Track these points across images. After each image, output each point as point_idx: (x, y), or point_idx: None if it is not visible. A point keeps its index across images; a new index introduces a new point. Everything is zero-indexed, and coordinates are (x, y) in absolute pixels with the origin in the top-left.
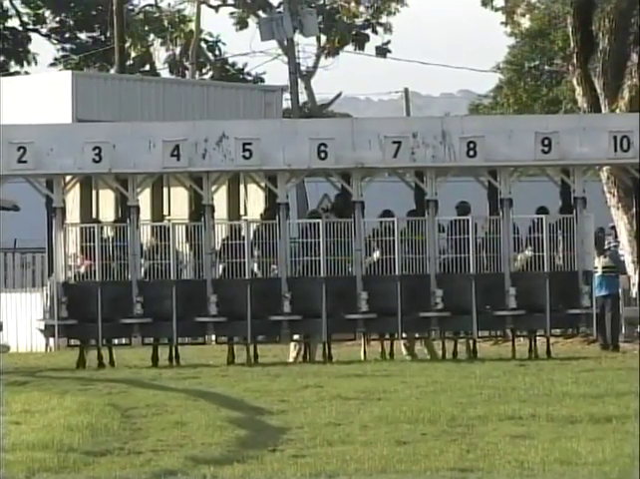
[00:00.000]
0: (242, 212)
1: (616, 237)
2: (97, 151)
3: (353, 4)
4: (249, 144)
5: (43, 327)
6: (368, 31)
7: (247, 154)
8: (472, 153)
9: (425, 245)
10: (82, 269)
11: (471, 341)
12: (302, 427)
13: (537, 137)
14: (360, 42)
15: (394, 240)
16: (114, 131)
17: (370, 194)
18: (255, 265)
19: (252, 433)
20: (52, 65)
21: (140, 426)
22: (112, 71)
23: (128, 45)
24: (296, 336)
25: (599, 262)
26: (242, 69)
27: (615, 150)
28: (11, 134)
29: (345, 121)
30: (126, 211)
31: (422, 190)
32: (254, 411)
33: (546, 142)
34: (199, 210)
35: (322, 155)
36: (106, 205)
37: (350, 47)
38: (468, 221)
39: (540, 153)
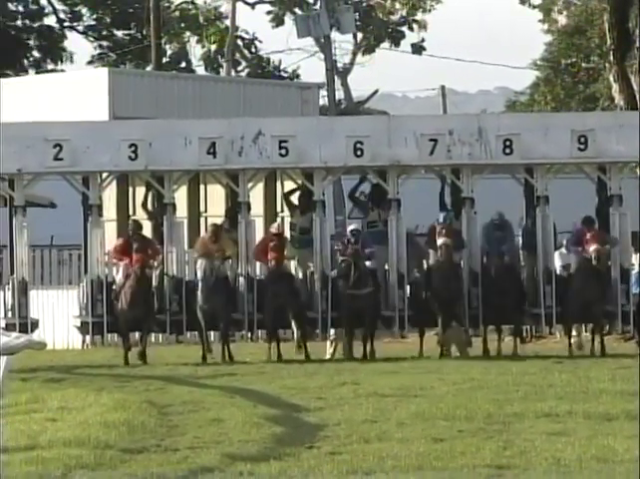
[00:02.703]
0: (279, 209)
1: None
2: (133, 148)
3: (389, 1)
4: (285, 141)
5: (79, 324)
6: (404, 28)
7: (284, 151)
8: (508, 150)
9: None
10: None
11: (518, 339)
12: (339, 424)
13: (574, 134)
14: (396, 39)
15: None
16: (150, 128)
17: (405, 190)
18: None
19: (289, 430)
20: (89, 63)
21: (176, 423)
22: (148, 68)
23: (164, 42)
24: (332, 332)
25: (637, 260)
26: (278, 66)
27: None
28: (47, 131)
29: (381, 118)
30: (163, 208)
31: (459, 188)
32: (291, 408)
33: (583, 139)
34: (236, 207)
35: (358, 152)
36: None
37: (386, 44)
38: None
39: (577, 150)
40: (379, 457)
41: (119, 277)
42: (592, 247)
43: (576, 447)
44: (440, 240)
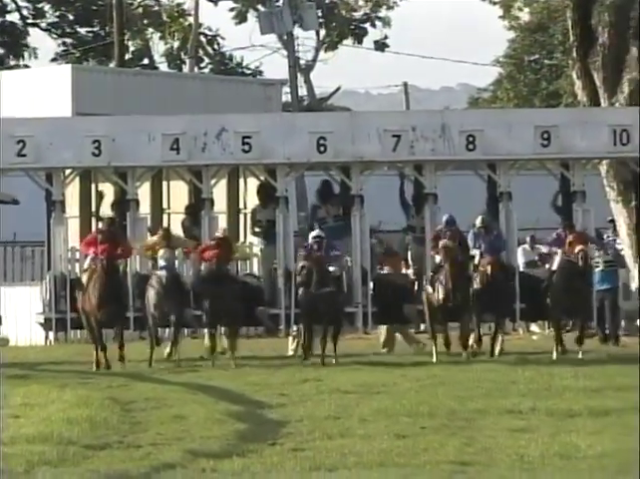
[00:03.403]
0: (242, 205)
1: (615, 230)
2: (96, 144)
3: None
4: (249, 137)
5: (42, 321)
6: (367, 25)
7: (247, 147)
8: (471, 146)
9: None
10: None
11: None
12: (301, 421)
13: (537, 130)
14: (359, 36)
15: None
16: (113, 124)
17: (369, 187)
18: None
19: (252, 427)
20: (52, 60)
21: (139, 420)
22: (111, 65)
23: (127, 39)
24: (294, 329)
25: (600, 257)
26: (241, 63)
27: (615, 143)
28: (11, 127)
29: (344, 115)
30: (124, 204)
31: (421, 184)
32: (253, 405)
33: (546, 135)
34: (198, 203)
35: (321, 148)
36: (105, 199)
37: (349, 41)
38: None
39: (540, 146)
40: (342, 454)
41: (85, 267)
42: (578, 248)
43: (539, 444)
44: (440, 243)
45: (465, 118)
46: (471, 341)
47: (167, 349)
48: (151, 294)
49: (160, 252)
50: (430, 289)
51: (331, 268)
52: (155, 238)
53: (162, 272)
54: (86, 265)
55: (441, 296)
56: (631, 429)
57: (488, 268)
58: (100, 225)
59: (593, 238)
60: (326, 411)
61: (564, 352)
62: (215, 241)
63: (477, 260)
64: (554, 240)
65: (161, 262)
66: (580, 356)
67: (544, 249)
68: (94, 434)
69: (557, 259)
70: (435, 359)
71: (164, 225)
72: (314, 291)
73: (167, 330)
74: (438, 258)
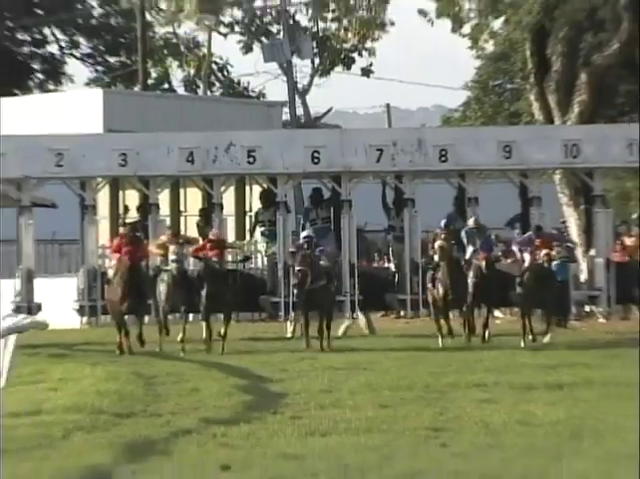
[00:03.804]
0: (248, 208)
1: (566, 229)
2: (123, 157)
3: (342, 31)
4: (253, 151)
5: (77, 307)
6: (354, 54)
7: (251, 159)
8: (443, 159)
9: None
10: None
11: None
12: (299, 393)
13: (500, 145)
14: (348, 64)
15: None
16: (138, 140)
17: (356, 193)
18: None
19: (256, 398)
20: (86, 84)
21: (160, 392)
22: (136, 89)
23: (149, 67)
24: (292, 315)
25: (556, 253)
26: (247, 87)
27: (566, 156)
28: (50, 142)
29: (335, 131)
30: (147, 208)
31: (401, 190)
32: (258, 379)
33: (507, 149)
34: (210, 207)
35: (315, 160)
36: (131, 203)
37: (339, 68)
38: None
39: (502, 159)
40: (333, 421)
41: (111, 265)
42: (544, 252)
43: (502, 413)
44: (436, 243)
45: (438, 134)
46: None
47: (181, 334)
48: (162, 287)
49: (171, 248)
50: (430, 286)
51: (322, 263)
52: (164, 237)
53: (174, 265)
54: (112, 264)
55: (441, 292)
56: (581, 401)
57: (482, 264)
58: (124, 230)
59: (559, 235)
60: (320, 385)
61: (534, 340)
62: (209, 242)
63: (468, 255)
64: (524, 242)
65: (172, 257)
66: (546, 341)
67: (515, 248)
68: (121, 404)
69: (527, 260)
70: (440, 344)
71: (181, 225)
72: (309, 287)
73: (177, 316)
74: (436, 257)
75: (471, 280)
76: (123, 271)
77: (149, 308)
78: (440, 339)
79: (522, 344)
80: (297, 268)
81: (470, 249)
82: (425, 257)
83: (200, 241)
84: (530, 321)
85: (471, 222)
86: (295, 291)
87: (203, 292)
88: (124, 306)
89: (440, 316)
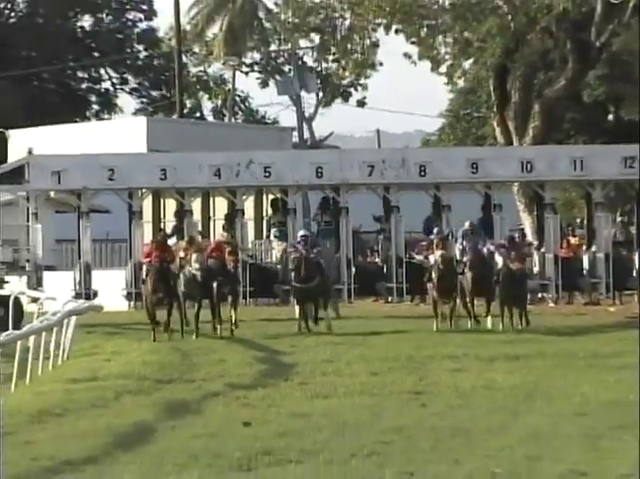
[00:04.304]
0: (265, 214)
1: (522, 231)
2: (163, 172)
3: (341, 70)
4: (269, 167)
5: (126, 294)
6: (351, 89)
7: (268, 174)
8: (423, 173)
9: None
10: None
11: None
12: (306, 363)
13: (468, 162)
14: (346, 97)
15: None
16: (175, 158)
17: (352, 202)
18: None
19: (271, 367)
20: (133, 114)
21: (194, 362)
22: (174, 117)
23: (185, 99)
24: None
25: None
26: (264, 115)
27: (522, 171)
28: (104, 160)
29: (335, 151)
30: (182, 213)
31: (388, 199)
32: (273, 352)
33: (475, 166)
34: (234, 213)
35: (319, 175)
36: (169, 210)
37: (339, 100)
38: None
39: (470, 173)
40: (334, 386)
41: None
42: (515, 264)
43: (470, 379)
44: (437, 252)
45: (418, 154)
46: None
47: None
48: (183, 284)
49: (194, 257)
50: (430, 285)
51: (316, 260)
52: (183, 243)
53: (197, 273)
54: (146, 265)
55: (436, 292)
56: (534, 369)
57: (475, 262)
58: (153, 239)
59: (529, 251)
60: (323, 357)
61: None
62: (219, 244)
63: (458, 255)
64: (499, 247)
65: (195, 265)
66: (520, 328)
67: (492, 248)
68: (162, 372)
69: (501, 263)
70: (435, 329)
71: (211, 228)
72: (304, 285)
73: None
74: (432, 260)
75: (467, 276)
76: (153, 273)
77: (177, 300)
78: (435, 325)
79: (490, 325)
80: (293, 257)
81: (460, 248)
82: (419, 256)
83: (212, 242)
84: (511, 309)
85: (467, 224)
86: (291, 287)
87: (215, 284)
88: (154, 298)
89: (437, 306)
